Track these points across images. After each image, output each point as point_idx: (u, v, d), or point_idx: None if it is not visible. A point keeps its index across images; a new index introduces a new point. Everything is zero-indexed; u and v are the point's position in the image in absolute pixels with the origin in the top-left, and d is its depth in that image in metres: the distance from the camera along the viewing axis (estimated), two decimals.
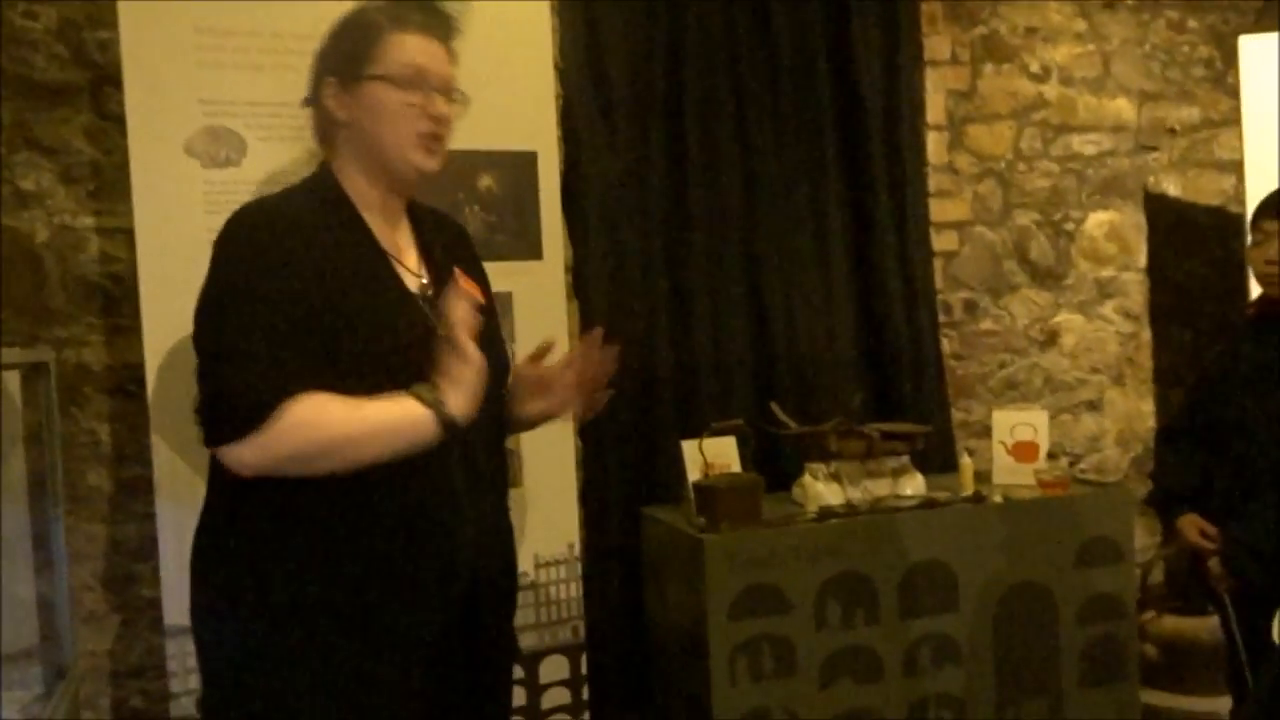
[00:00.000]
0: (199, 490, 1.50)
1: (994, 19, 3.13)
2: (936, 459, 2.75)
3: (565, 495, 2.37)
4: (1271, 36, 2.97)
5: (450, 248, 1.58)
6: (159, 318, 1.95)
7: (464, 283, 1.53)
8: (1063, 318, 3.25)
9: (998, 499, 2.49)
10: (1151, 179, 3.32)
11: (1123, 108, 3.28)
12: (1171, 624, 2.97)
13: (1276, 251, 2.13)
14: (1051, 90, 3.20)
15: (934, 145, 3.05)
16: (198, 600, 1.46)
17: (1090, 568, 2.49)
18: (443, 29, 1.49)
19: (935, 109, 3.06)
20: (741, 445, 2.51)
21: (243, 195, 1.91)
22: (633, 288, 2.65)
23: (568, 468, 2.38)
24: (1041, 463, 2.63)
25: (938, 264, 3.05)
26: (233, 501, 1.41)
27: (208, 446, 1.36)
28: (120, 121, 2.05)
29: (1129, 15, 3.27)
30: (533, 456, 2.28)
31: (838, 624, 2.30)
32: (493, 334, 1.56)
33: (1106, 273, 3.29)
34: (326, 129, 1.49)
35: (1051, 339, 3.24)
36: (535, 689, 2.31)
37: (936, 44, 3.05)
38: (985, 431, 2.92)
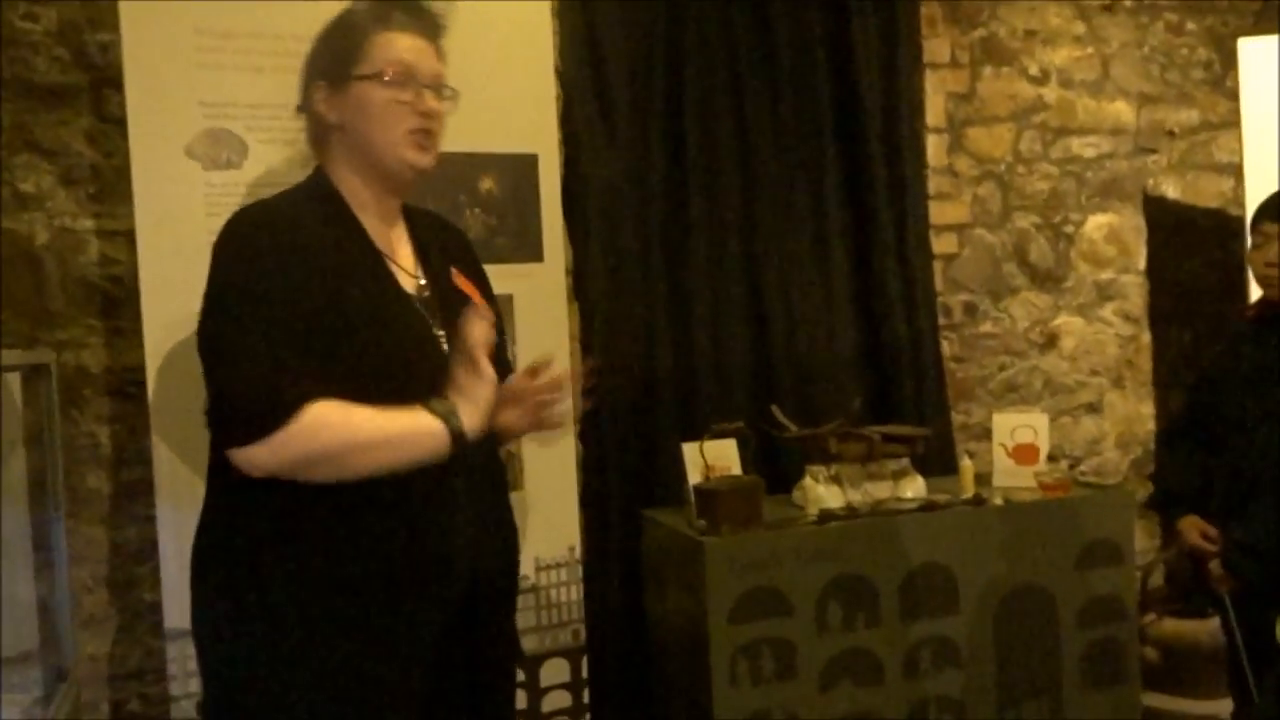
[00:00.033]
0: (199, 492, 1.49)
1: (993, 21, 3.14)
2: (936, 462, 2.75)
3: (566, 498, 2.37)
4: (1270, 39, 2.98)
5: (447, 249, 1.58)
6: (160, 320, 1.94)
7: (460, 283, 1.53)
8: (1062, 320, 3.25)
9: (998, 501, 2.49)
10: (1151, 181, 3.33)
11: (1122, 110, 3.28)
12: (1172, 626, 2.97)
13: (1276, 254, 2.13)
14: (1051, 93, 3.21)
15: (933, 148, 3.06)
16: (198, 602, 1.46)
17: (1090, 570, 2.48)
18: (429, 27, 1.50)
19: (935, 111, 3.06)
20: (742, 448, 2.50)
21: (244, 198, 1.92)
22: (633, 290, 2.65)
23: (568, 471, 2.38)
24: (1042, 465, 2.63)
25: (937, 266, 3.05)
26: (233, 503, 1.42)
27: (222, 448, 1.36)
28: (120, 124, 2.05)
29: (1128, 18, 3.28)
30: (533, 459, 2.28)
31: (838, 627, 2.30)
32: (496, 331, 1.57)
33: (1106, 275, 3.29)
34: (319, 133, 1.50)
35: (1051, 341, 3.24)
36: (536, 692, 2.31)
37: (936, 46, 3.05)
38: (985, 434, 2.93)
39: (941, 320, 3.04)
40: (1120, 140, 3.28)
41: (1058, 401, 3.23)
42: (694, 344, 2.69)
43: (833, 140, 2.84)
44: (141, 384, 2.04)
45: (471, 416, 1.37)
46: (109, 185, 2.26)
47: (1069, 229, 3.25)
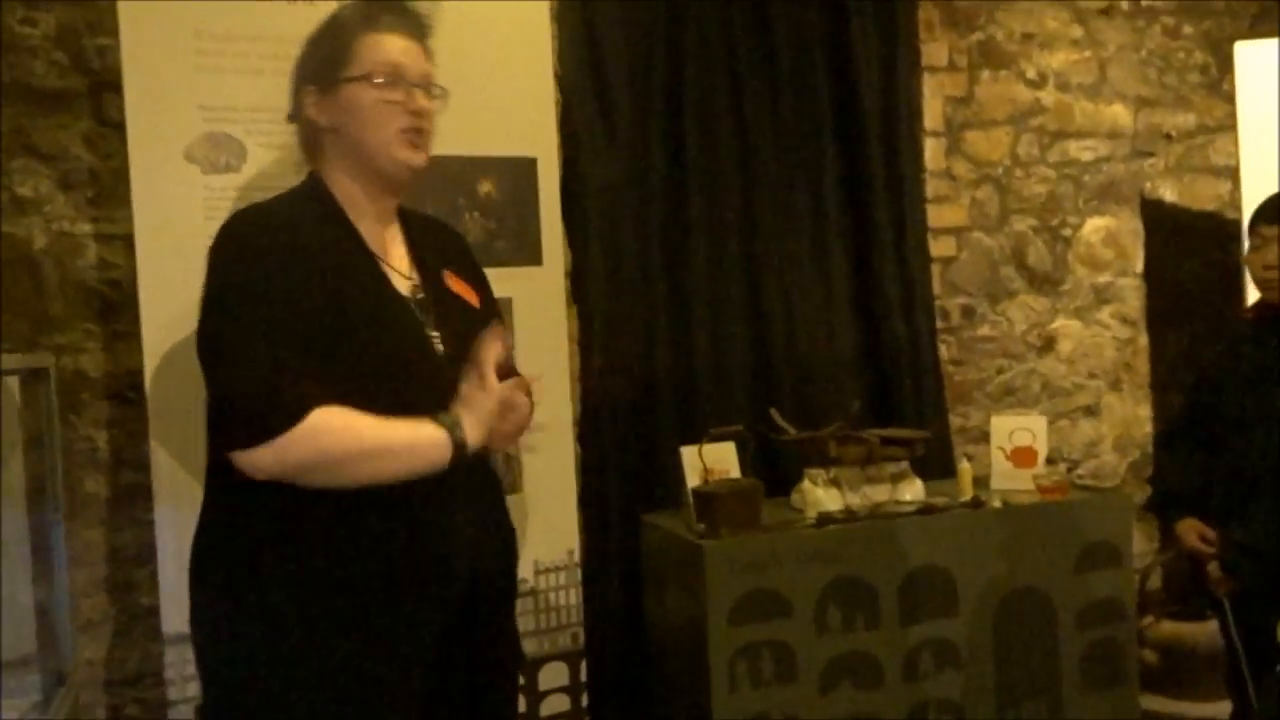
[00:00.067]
0: (198, 496, 1.50)
1: (991, 25, 3.14)
2: (935, 465, 2.75)
3: (565, 501, 2.37)
4: (1267, 43, 2.98)
5: (443, 251, 1.59)
6: (158, 324, 1.94)
7: (454, 285, 1.53)
8: (1060, 323, 3.25)
9: (996, 504, 2.49)
10: (1148, 185, 3.33)
11: (1119, 114, 3.29)
12: (1170, 629, 2.97)
13: (1274, 256, 2.14)
14: (1048, 96, 3.21)
15: (931, 151, 3.06)
16: (197, 604, 1.46)
17: (1089, 572, 2.49)
18: (415, 27, 1.50)
19: (933, 115, 3.06)
20: (741, 451, 2.51)
21: (243, 201, 1.92)
22: (632, 293, 2.66)
23: (567, 474, 2.38)
24: (1040, 468, 2.63)
25: (935, 270, 3.05)
26: (232, 505, 1.42)
27: (224, 450, 1.37)
28: (119, 128, 2.05)
29: (1125, 22, 3.29)
30: (532, 462, 2.28)
31: (838, 629, 2.30)
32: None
33: (1103, 278, 3.29)
34: (311, 138, 1.51)
35: (1049, 344, 3.24)
36: (535, 695, 2.30)
37: (934, 50, 3.06)
38: (983, 437, 2.93)
39: (939, 323, 3.05)
40: (1117, 144, 3.29)
41: (1055, 404, 3.24)
42: (693, 347, 2.70)
43: (831, 143, 2.84)
44: (140, 388, 2.04)
45: (474, 429, 1.39)
46: (107, 189, 2.26)
47: (1066, 232, 3.25)
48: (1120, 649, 2.53)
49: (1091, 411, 3.29)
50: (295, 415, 1.32)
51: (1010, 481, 2.63)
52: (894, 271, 2.89)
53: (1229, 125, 3.12)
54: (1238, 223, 2.89)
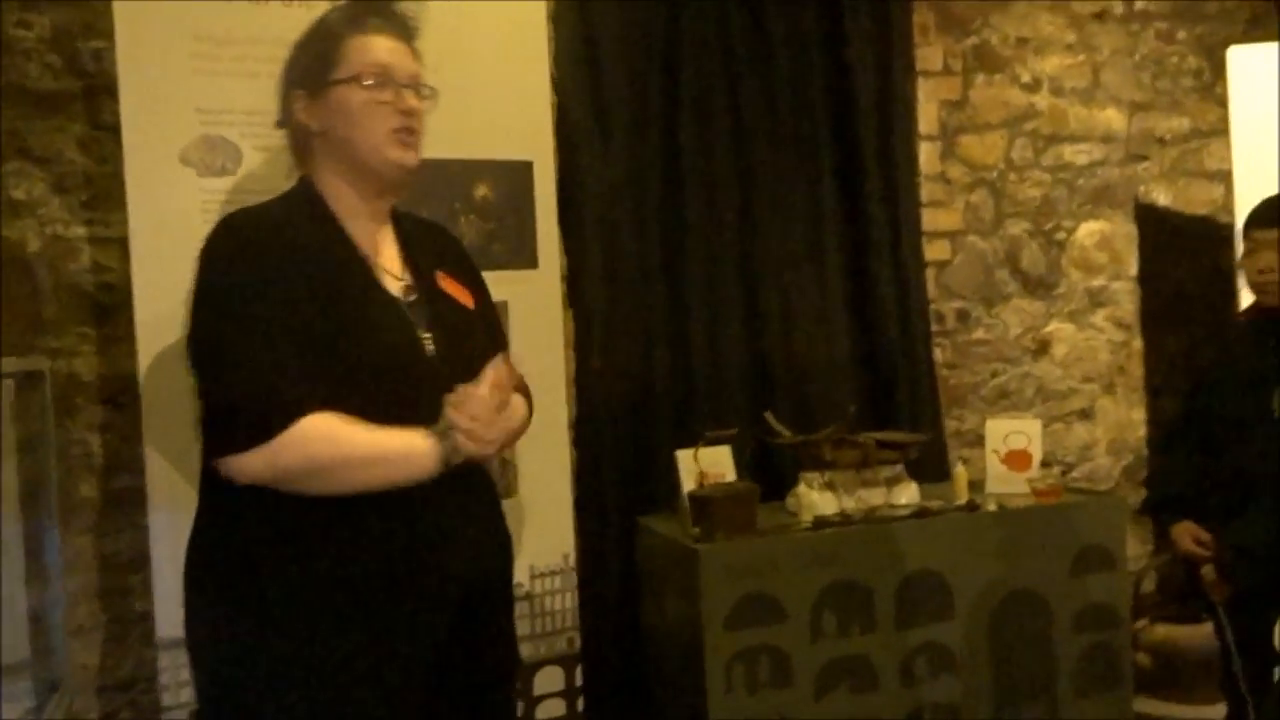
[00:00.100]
0: (192, 500, 1.49)
1: (985, 30, 3.15)
2: (930, 468, 2.76)
3: (560, 506, 2.36)
4: (1259, 47, 3.00)
5: (437, 253, 1.59)
6: (153, 327, 1.93)
7: (447, 286, 1.53)
8: (1054, 327, 3.26)
9: (992, 508, 2.50)
10: (1142, 188, 3.34)
11: (1113, 118, 3.30)
12: (1164, 632, 2.98)
13: (1268, 260, 2.15)
14: (1042, 100, 3.22)
15: (926, 155, 3.07)
16: (192, 609, 1.46)
17: (1084, 576, 2.49)
18: (402, 28, 1.51)
19: (928, 119, 3.07)
20: (736, 454, 2.51)
21: (238, 204, 1.91)
22: (628, 296, 2.66)
23: (563, 478, 2.38)
24: (1035, 471, 2.63)
25: (930, 273, 3.06)
26: (227, 509, 1.41)
27: (214, 456, 1.37)
28: (113, 131, 2.04)
29: (1119, 26, 3.30)
30: (528, 467, 2.27)
31: (833, 633, 2.30)
32: (487, 333, 1.58)
33: (1097, 282, 3.30)
34: (302, 143, 1.51)
35: (1043, 348, 3.25)
36: (530, 700, 2.30)
37: (929, 54, 3.07)
38: (978, 440, 2.93)
39: (934, 327, 3.05)
40: (1111, 147, 3.30)
41: (1050, 408, 3.24)
42: (689, 350, 2.70)
43: (827, 146, 2.84)
44: (133, 392, 2.03)
45: (462, 440, 1.38)
46: (102, 192, 2.26)
47: (1061, 236, 3.26)
48: (1115, 652, 2.53)
49: (1086, 415, 3.30)
50: (284, 421, 1.32)
51: (1005, 485, 2.63)
52: (889, 275, 2.89)
53: (1222, 129, 3.13)
54: (1231, 227, 2.91)
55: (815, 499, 2.44)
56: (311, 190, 1.49)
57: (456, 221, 2.17)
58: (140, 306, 1.95)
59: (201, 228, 1.89)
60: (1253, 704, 2.13)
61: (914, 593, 2.36)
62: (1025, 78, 3.20)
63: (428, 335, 1.46)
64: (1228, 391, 2.22)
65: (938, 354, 3.05)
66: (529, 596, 2.30)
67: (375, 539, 1.39)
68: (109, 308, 2.27)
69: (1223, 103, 3.09)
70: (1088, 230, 3.29)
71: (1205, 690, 2.77)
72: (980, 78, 3.15)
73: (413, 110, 1.48)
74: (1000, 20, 3.17)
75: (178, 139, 1.97)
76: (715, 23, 2.74)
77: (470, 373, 1.45)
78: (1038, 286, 3.24)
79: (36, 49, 2.23)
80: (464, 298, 1.56)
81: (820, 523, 2.36)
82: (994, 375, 3.20)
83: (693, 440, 2.44)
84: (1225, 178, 3.19)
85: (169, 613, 1.89)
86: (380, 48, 1.47)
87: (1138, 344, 3.35)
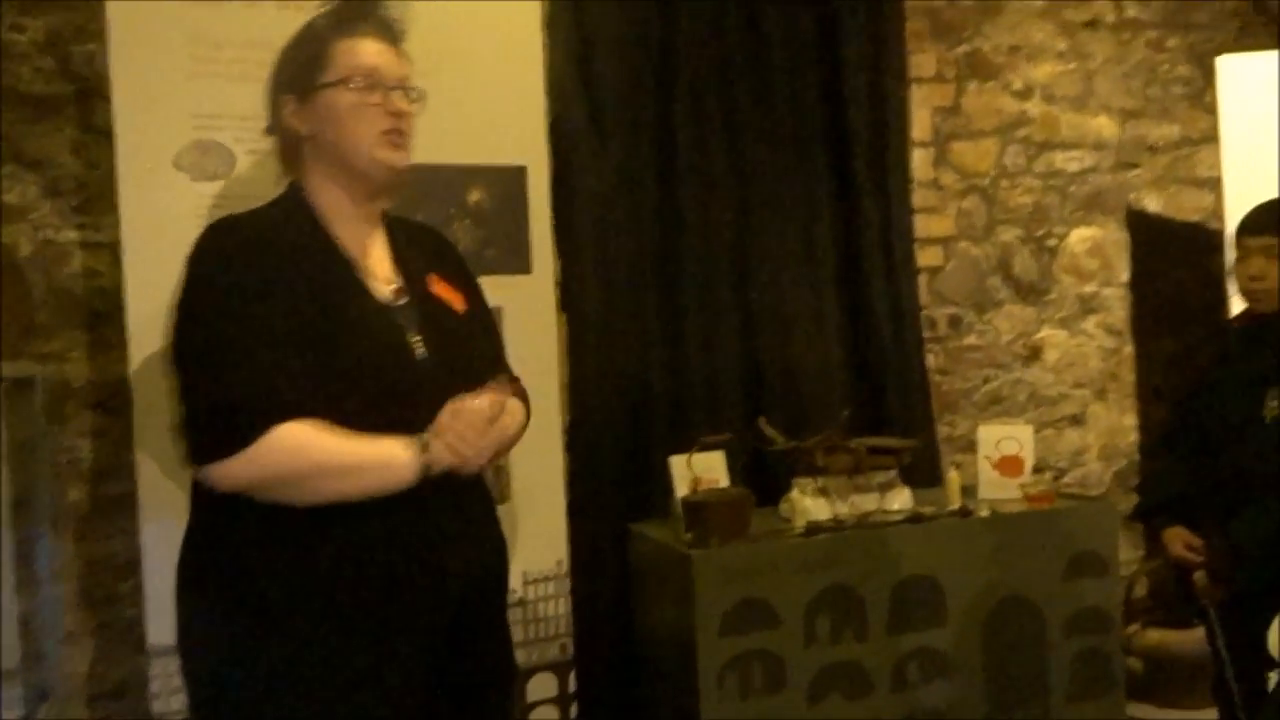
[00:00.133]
0: (183, 507, 1.48)
1: (978, 37, 3.17)
2: (922, 474, 2.76)
3: (554, 511, 2.36)
4: (1249, 56, 3.02)
5: (429, 256, 1.59)
6: (146, 332, 1.92)
7: (439, 290, 1.53)
8: (1046, 333, 3.27)
9: (984, 513, 2.50)
10: (1133, 195, 3.36)
11: (1104, 125, 3.32)
12: (1155, 636, 2.99)
13: (1259, 267, 2.16)
14: (1034, 108, 3.24)
15: (919, 161, 3.08)
16: (184, 616, 1.46)
17: (1076, 581, 2.50)
18: (389, 31, 1.51)
19: (920, 125, 3.08)
20: (730, 460, 2.51)
21: (231, 209, 1.90)
22: (622, 301, 2.66)
23: (556, 483, 2.37)
24: (1027, 477, 2.64)
25: (922, 279, 3.07)
26: (218, 515, 1.41)
27: (192, 463, 1.37)
28: (106, 135, 2.03)
29: (1110, 35, 3.32)
30: (521, 472, 2.26)
31: (827, 639, 2.30)
32: (480, 336, 1.58)
33: (1089, 288, 3.32)
34: (291, 148, 1.51)
35: (1035, 354, 3.26)
36: (524, 707, 2.29)
37: (922, 62, 3.08)
38: (970, 446, 2.94)
39: (926, 333, 3.06)
40: (1103, 155, 3.31)
41: (1041, 414, 3.25)
42: (682, 356, 2.70)
43: (821, 152, 2.85)
44: (124, 397, 2.02)
45: (442, 451, 1.38)
46: (94, 197, 2.25)
47: (1052, 242, 3.28)
48: (1107, 657, 2.54)
49: (1077, 420, 3.31)
50: (259, 429, 1.32)
51: (997, 490, 2.64)
52: (882, 281, 2.90)
53: (1212, 137, 3.15)
54: (1221, 233, 2.92)
55: (808, 505, 2.44)
56: (299, 195, 1.49)
57: (450, 226, 2.16)
58: (132, 311, 1.94)
59: (194, 233, 1.88)
60: (1244, 709, 2.14)
61: (907, 598, 2.36)
62: (1017, 85, 3.22)
63: (418, 338, 1.46)
64: (1219, 397, 2.23)
65: (930, 360, 3.06)
66: (522, 602, 2.29)
67: (369, 544, 1.39)
68: (100, 313, 2.26)
69: (1213, 110, 3.11)
70: (1079, 237, 3.30)
71: (1197, 695, 2.77)
72: (973, 85, 3.16)
73: (401, 112, 1.48)
74: (992, 28, 3.18)
75: (171, 143, 1.96)
76: (710, 30, 2.74)
77: (463, 376, 1.46)
78: (1029, 292, 3.25)
79: (29, 52, 2.22)
80: (457, 301, 1.56)
81: (813, 528, 2.37)
82: (986, 381, 3.21)
83: (686, 446, 2.44)
84: (1215, 185, 3.20)
85: (160, 619, 1.88)
86: (368, 51, 1.47)
87: (1129, 350, 3.36)
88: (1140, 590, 3.11)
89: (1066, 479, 3.26)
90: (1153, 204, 3.38)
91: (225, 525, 1.41)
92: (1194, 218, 3.41)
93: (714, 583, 2.21)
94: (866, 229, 2.88)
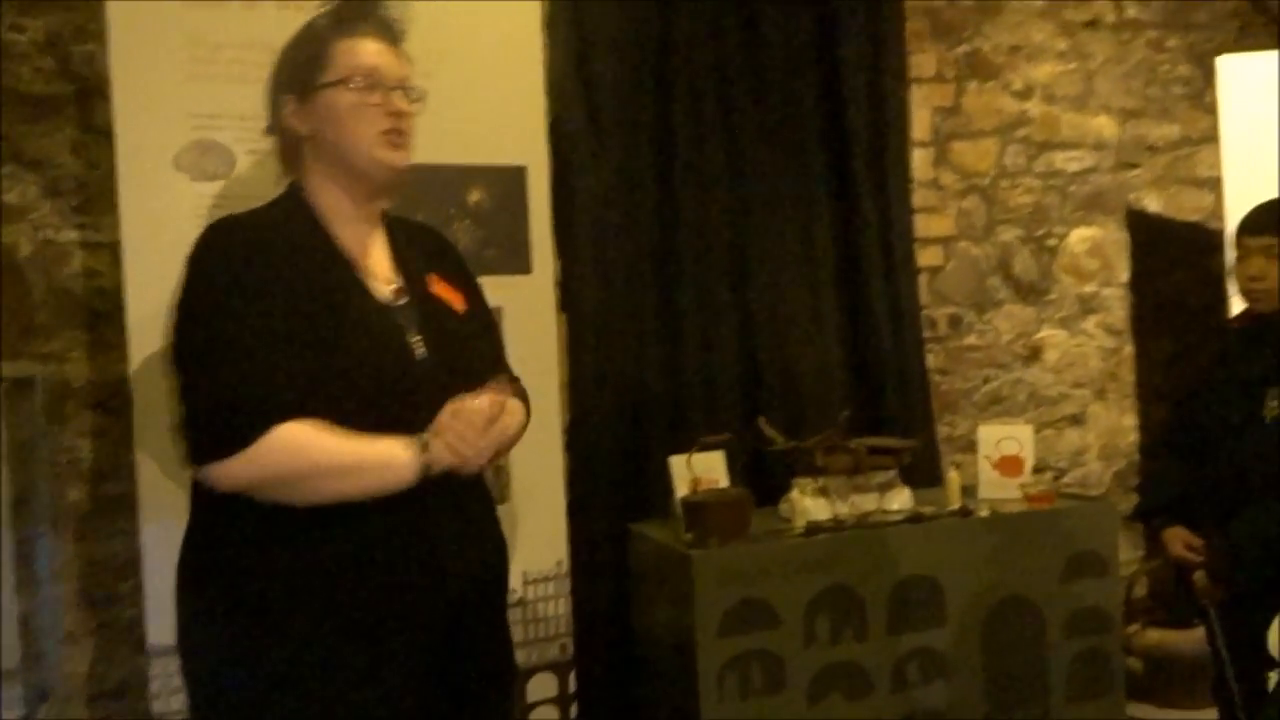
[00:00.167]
0: (183, 507, 1.48)
1: (978, 37, 3.17)
2: (921, 474, 2.76)
3: (553, 511, 2.36)
4: (1248, 56, 3.02)
5: (429, 256, 1.58)
6: (146, 333, 1.92)
7: (439, 290, 1.53)
8: (1046, 333, 3.27)
9: (984, 513, 2.50)
10: (1133, 195, 3.36)
11: (1104, 125, 3.32)
12: (1155, 636, 2.99)
13: (1258, 267, 2.16)
14: (1035, 108, 3.24)
15: (919, 161, 3.08)
16: (184, 616, 1.46)
17: (1076, 581, 2.49)
18: (389, 31, 1.51)
19: (920, 125, 3.08)
20: (730, 460, 2.51)
21: (231, 209, 1.90)
22: (621, 301, 2.66)
23: (556, 483, 2.37)
24: (1027, 477, 2.64)
25: (922, 279, 3.07)
26: (218, 515, 1.41)
27: (192, 463, 1.37)
28: (105, 135, 2.03)
29: (1110, 34, 3.32)
30: (521, 472, 2.27)
31: (826, 639, 2.29)
32: (480, 336, 1.58)
33: (1089, 288, 3.32)
34: (291, 148, 1.51)
35: (1035, 354, 3.26)
36: (523, 707, 2.29)
37: (922, 61, 3.08)
38: (970, 446, 2.94)
39: (926, 333, 3.06)
40: (1103, 155, 3.31)
41: (1041, 414, 3.25)
42: (682, 356, 2.70)
43: (820, 152, 2.85)
44: (124, 398, 2.02)
45: (442, 451, 1.38)
46: (94, 197, 2.25)
47: (1052, 242, 3.28)
48: (1107, 657, 2.53)
49: (1077, 420, 3.31)
50: (257, 430, 1.32)
51: (997, 490, 2.64)
52: (882, 281, 2.90)
53: (1212, 137, 3.15)
54: (1221, 233, 2.92)
55: (808, 505, 2.44)
56: (299, 195, 1.49)
57: (450, 227, 2.16)
58: (132, 311, 1.94)
59: (194, 233, 1.88)
60: (1244, 709, 2.14)
61: (907, 598, 2.36)
62: (1017, 85, 3.22)
63: (418, 338, 1.46)
64: (1219, 397, 2.23)
65: (930, 360, 3.06)
66: (522, 602, 2.29)
67: (369, 544, 1.39)
68: (100, 313, 2.26)
69: (1212, 110, 3.11)
70: (1079, 237, 3.30)
71: (1197, 695, 2.77)
72: (973, 85, 3.16)
73: (402, 112, 1.48)
74: (992, 28, 3.18)
75: (171, 143, 1.96)
76: (709, 30, 2.74)
77: (463, 376, 1.46)
78: (1029, 292, 3.25)
79: (29, 52, 2.22)
80: (457, 301, 1.56)
81: (813, 528, 2.36)
82: (986, 381, 3.21)
83: (686, 446, 2.43)
84: (1215, 185, 3.20)
85: (160, 619, 1.88)
86: (368, 50, 1.47)
87: (1129, 350, 3.36)
88: (1140, 590, 3.11)
89: (1066, 479, 3.26)
90: (1153, 204, 3.38)
91: (225, 525, 1.41)
92: (1194, 218, 3.41)
93: (714, 583, 2.21)
94: (866, 229, 2.88)
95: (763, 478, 2.64)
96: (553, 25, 2.58)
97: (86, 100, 2.24)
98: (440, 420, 1.40)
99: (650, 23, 2.69)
